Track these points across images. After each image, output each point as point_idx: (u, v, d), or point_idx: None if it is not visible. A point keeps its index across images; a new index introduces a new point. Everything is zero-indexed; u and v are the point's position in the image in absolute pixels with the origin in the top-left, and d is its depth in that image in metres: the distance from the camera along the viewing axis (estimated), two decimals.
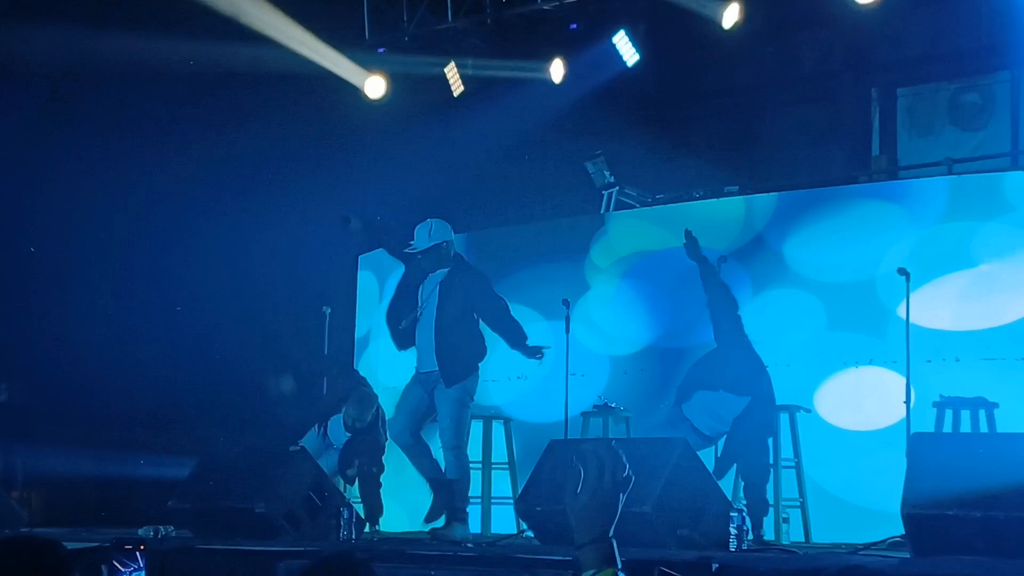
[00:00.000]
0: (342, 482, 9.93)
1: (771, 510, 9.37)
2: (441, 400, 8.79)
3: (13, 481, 12.63)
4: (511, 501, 10.23)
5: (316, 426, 10.32)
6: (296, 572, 3.76)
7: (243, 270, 12.82)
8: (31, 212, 12.70)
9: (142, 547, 4.51)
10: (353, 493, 10.17)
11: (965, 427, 9.07)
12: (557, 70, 13.39)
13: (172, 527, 8.45)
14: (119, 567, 4.45)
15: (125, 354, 13.18)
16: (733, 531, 6.97)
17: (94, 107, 12.72)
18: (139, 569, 4.50)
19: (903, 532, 6.68)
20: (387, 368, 13.11)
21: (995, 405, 9.08)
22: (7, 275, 13.00)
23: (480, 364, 8.95)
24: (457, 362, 8.83)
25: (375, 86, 13.88)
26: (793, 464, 9.65)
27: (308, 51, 13.21)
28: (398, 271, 13.18)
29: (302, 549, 7.37)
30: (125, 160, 12.59)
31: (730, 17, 12.32)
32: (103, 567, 4.18)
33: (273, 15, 12.74)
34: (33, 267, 13.21)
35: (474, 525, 10.75)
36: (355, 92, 13.84)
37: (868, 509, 9.94)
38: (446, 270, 8.99)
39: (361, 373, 11.90)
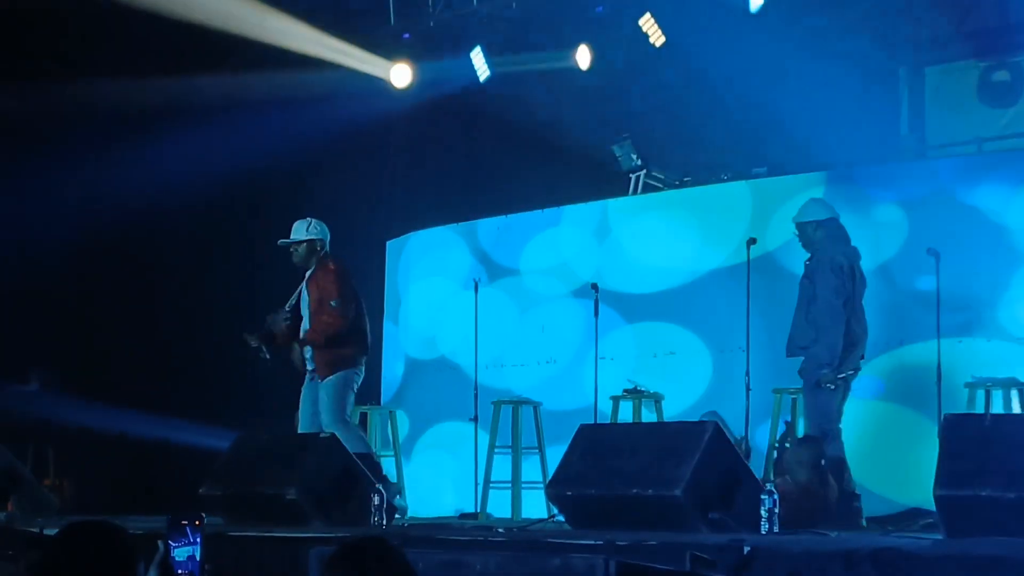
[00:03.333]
0: None
1: None
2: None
3: (45, 469, 12.69)
4: (541, 486, 10.24)
5: None
6: (328, 556, 3.75)
7: (271, 255, 12.85)
8: (57, 198, 12.77)
9: (197, 522, 4.51)
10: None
11: (997, 407, 9.03)
12: (584, 57, 13.34)
13: (203, 514, 8.46)
14: (174, 543, 4.45)
15: (157, 341, 13.24)
16: (764, 513, 6.95)
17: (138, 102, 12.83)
18: (195, 543, 4.50)
19: (936, 513, 6.65)
20: (414, 346, 13.15)
21: None
22: (36, 263, 13.04)
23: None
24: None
25: (401, 75, 13.90)
26: None
27: (334, 54, 13.35)
28: (424, 259, 13.25)
29: (333, 535, 7.37)
30: (156, 150, 12.68)
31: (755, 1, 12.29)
32: (159, 543, 4.19)
33: (299, 27, 13.02)
34: (60, 254, 13.25)
35: (504, 510, 10.78)
36: (382, 79, 13.87)
37: (900, 491, 9.91)
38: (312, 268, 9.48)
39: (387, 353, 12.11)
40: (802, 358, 9.04)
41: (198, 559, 4.49)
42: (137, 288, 13.40)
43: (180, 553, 4.46)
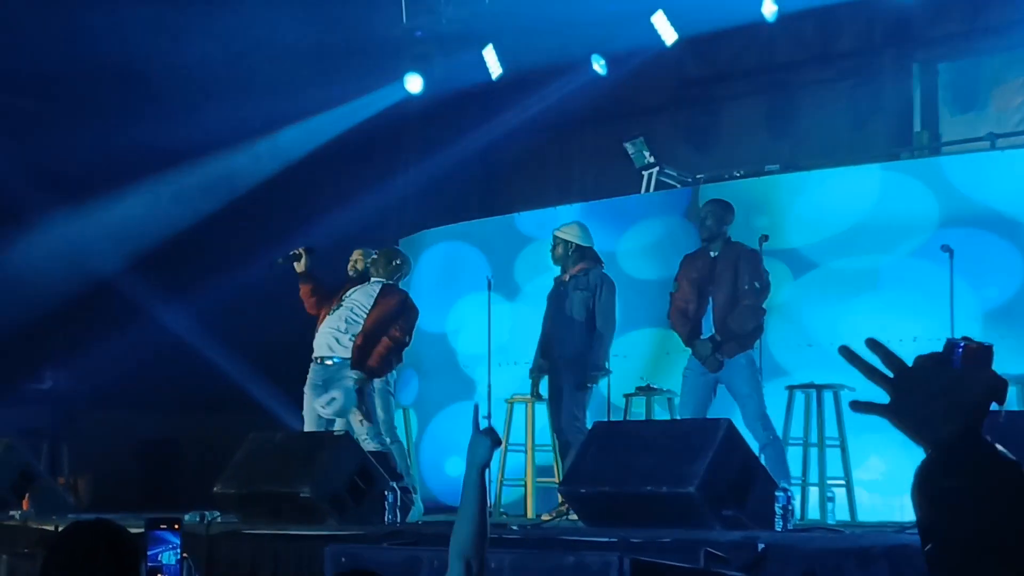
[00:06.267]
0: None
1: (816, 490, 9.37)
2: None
3: (60, 467, 12.73)
4: (555, 483, 10.24)
5: None
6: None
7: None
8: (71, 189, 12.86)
9: (176, 525, 4.53)
10: None
11: (1012, 404, 9.00)
12: (600, 65, 13.33)
13: (218, 512, 8.49)
14: (154, 546, 4.48)
15: (172, 338, 13.26)
16: (779, 511, 6.94)
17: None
18: (175, 547, 4.52)
19: None
20: (426, 343, 13.13)
21: None
22: (49, 259, 13.09)
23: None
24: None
25: (414, 82, 13.94)
26: (838, 443, 9.62)
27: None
28: (436, 257, 13.26)
29: (348, 533, 7.39)
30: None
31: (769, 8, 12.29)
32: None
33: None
34: (74, 249, 13.31)
35: (518, 507, 10.79)
36: (397, 80, 13.94)
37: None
38: None
39: None
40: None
41: (178, 559, 4.52)
42: (153, 285, 13.45)
43: (167, 557, 4.49)
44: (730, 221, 9.30)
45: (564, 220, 12.27)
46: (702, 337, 9.15)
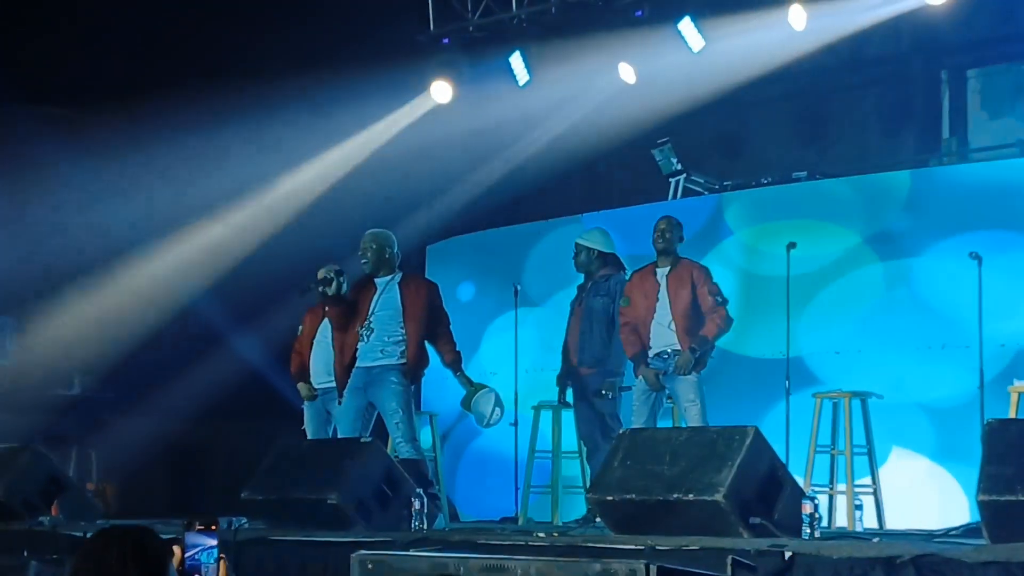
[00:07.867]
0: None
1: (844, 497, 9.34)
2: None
3: (88, 473, 12.77)
4: (581, 490, 10.24)
5: None
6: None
7: (313, 259, 12.97)
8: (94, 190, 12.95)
9: (213, 526, 4.56)
10: None
11: None
12: (628, 72, 13.29)
13: (245, 518, 8.51)
14: (191, 546, 4.51)
15: (200, 343, 13.32)
16: (806, 518, 6.92)
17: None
18: (213, 547, 4.55)
19: (979, 519, 6.62)
20: None
21: None
22: (74, 264, 13.17)
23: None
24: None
25: (442, 92, 13.95)
26: (866, 450, 9.59)
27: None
28: (464, 263, 13.28)
29: (375, 539, 7.41)
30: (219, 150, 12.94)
31: (797, 19, 12.25)
32: (174, 548, 4.23)
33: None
34: (100, 254, 13.37)
35: (544, 514, 10.78)
36: (424, 87, 13.98)
37: (943, 496, 9.86)
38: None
39: None
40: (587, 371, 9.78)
41: (215, 559, 4.56)
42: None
43: (206, 556, 4.52)
44: (681, 238, 9.53)
45: (588, 227, 12.33)
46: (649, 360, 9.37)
